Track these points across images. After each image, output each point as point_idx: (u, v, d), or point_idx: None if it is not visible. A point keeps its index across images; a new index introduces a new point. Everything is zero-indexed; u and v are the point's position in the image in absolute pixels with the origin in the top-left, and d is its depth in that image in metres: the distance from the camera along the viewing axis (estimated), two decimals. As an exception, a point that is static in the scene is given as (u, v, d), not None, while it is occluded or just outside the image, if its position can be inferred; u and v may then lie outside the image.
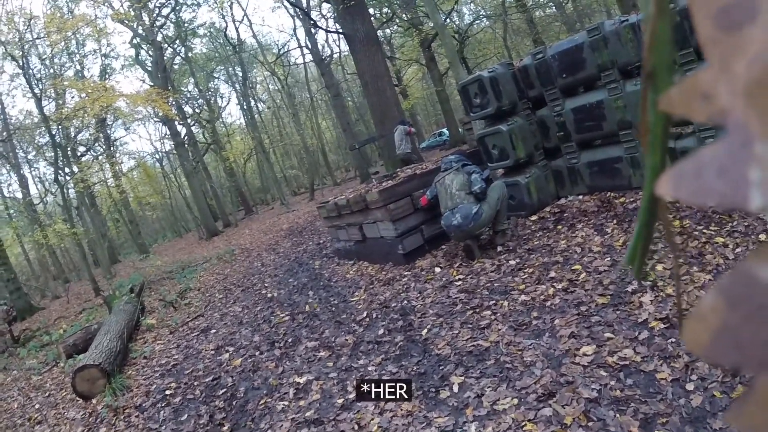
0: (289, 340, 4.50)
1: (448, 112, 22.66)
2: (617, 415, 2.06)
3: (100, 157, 26.02)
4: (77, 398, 4.73)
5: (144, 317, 7.23)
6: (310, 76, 26.61)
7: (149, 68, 22.77)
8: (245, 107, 26.57)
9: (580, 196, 5.28)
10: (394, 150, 10.77)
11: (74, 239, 14.61)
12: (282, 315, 5.36)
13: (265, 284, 7.31)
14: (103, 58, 24.19)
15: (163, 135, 27.73)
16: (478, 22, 21.87)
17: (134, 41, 23.17)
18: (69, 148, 23.10)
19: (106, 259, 18.83)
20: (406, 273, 5.17)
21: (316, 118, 27.66)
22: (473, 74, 5.68)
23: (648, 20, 0.30)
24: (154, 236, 40.72)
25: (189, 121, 31.63)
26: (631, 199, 4.63)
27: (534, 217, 5.26)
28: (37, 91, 15.48)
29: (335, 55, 25.36)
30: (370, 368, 3.31)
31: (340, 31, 12.63)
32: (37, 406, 5.39)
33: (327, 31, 15.96)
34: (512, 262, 4.28)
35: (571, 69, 4.90)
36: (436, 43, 22.00)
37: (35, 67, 18.54)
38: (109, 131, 26.23)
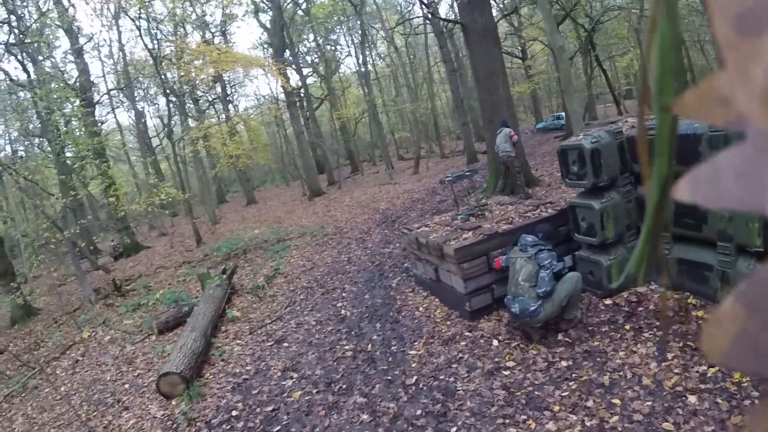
0: (344, 386, 4.83)
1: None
2: None
3: (218, 113, 27.83)
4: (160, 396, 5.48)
5: (230, 309, 7.94)
6: (430, 42, 26.06)
7: (267, 26, 23.50)
8: (360, 68, 26.75)
9: (662, 289, 4.96)
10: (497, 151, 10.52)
11: (183, 199, 16.01)
12: (346, 347, 5.71)
13: (343, 294, 7.71)
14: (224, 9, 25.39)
15: (278, 83, 28.77)
16: (609, 12, 20.12)
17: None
18: (190, 99, 24.92)
19: (212, 210, 20.55)
20: (467, 334, 5.24)
21: (430, 87, 27.29)
22: (576, 139, 5.33)
23: (653, 22, 0.30)
24: (264, 177, 43.49)
25: (305, 72, 32.59)
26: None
27: (608, 301, 5.05)
28: (154, 50, 16.94)
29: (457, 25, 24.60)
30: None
31: (458, 20, 12.24)
32: (126, 386, 6.30)
33: (444, 21, 15.47)
34: (563, 364, 4.22)
35: (684, 158, 4.36)
36: (564, 26, 20.67)
37: (155, 25, 19.91)
38: (225, 80, 27.81)
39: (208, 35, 28.19)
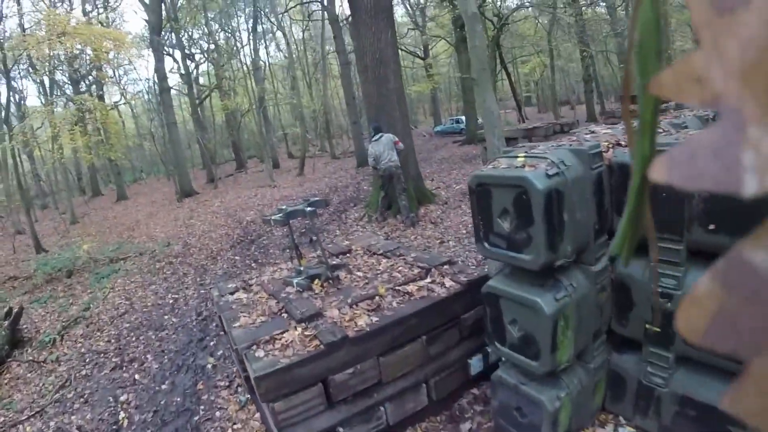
0: None
1: (469, 103, 19.70)
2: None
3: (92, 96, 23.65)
4: None
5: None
6: (327, 35, 23.32)
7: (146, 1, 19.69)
8: (251, 57, 23.61)
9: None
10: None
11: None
12: None
13: (137, 375, 4.98)
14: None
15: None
16: (522, 9, 18.61)
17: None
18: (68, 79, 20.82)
19: (71, 207, 17.00)
20: None
21: (324, 80, 24.54)
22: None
23: (638, 3, 0.30)
24: (149, 168, 38.44)
25: (198, 58, 28.52)
26: None
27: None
28: None
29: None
30: None
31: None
32: None
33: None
34: None
35: (729, 219, 2.06)
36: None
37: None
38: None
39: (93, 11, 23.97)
